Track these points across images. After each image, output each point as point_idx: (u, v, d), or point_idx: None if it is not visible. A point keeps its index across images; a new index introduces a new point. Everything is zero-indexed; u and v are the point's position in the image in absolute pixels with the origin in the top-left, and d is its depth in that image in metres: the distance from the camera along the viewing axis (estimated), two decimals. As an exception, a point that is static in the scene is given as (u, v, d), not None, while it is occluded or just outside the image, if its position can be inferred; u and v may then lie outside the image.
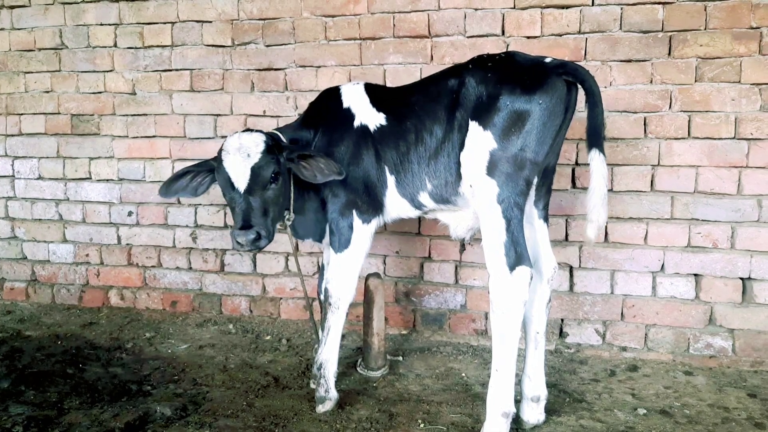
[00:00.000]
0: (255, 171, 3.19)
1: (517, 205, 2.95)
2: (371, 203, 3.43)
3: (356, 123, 3.43)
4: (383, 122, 3.37)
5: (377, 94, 3.50)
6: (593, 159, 2.86)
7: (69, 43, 5.09)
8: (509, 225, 2.93)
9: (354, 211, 3.42)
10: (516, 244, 2.93)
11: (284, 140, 3.48)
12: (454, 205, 3.31)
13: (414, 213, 3.48)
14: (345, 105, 3.51)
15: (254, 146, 3.22)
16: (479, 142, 2.97)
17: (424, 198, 3.32)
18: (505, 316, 2.94)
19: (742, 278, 4.00)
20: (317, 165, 3.28)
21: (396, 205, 3.45)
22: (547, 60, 3.04)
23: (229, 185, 3.23)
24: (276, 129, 3.61)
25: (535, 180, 3.06)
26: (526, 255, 2.94)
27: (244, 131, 3.38)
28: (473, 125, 3.01)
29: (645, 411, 3.39)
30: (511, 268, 2.92)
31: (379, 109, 3.41)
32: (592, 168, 2.86)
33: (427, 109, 3.22)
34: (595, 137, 2.88)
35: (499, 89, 2.97)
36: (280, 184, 3.28)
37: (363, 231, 3.44)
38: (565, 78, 2.97)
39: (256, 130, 3.37)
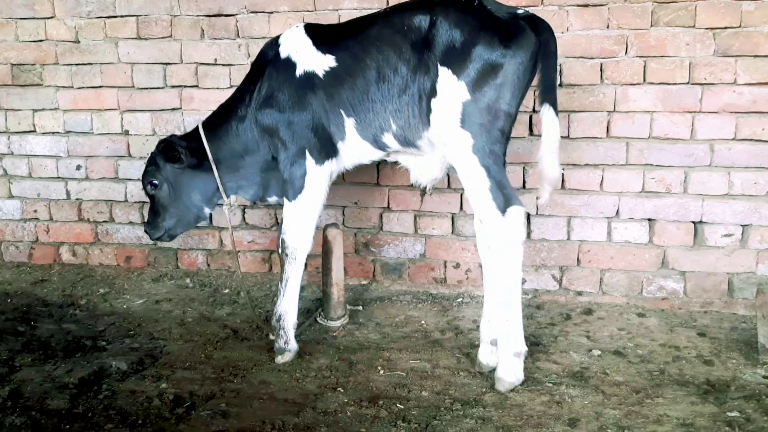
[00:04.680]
0: (142, 182, 3.74)
1: (493, 152, 2.96)
2: (323, 149, 3.35)
3: (298, 72, 3.31)
4: (333, 64, 3.25)
5: (323, 35, 3.36)
6: (545, 114, 2.91)
7: (5, -12, 4.82)
8: (489, 171, 2.94)
9: (306, 158, 3.35)
10: (502, 187, 2.94)
11: (181, 144, 3.57)
12: (418, 150, 3.26)
13: (377, 155, 3.41)
14: (283, 55, 3.39)
15: (147, 160, 3.72)
16: (452, 92, 2.94)
17: (388, 138, 3.25)
18: (506, 260, 2.96)
19: (693, 222, 4.07)
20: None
21: (357, 149, 3.36)
22: (519, 11, 3.02)
23: None
24: (211, 115, 3.71)
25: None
26: (514, 195, 2.96)
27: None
28: (445, 72, 2.95)
29: (599, 352, 3.47)
30: (503, 210, 2.93)
31: (326, 51, 3.28)
32: (543, 123, 2.92)
33: (391, 43, 3.10)
34: (548, 92, 2.94)
35: (475, 38, 2.92)
36: (163, 189, 3.66)
37: (316, 178, 3.38)
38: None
39: (163, 141, 3.62)
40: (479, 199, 2.98)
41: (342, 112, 3.26)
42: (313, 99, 3.28)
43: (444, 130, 2.99)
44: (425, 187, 3.53)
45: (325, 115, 3.29)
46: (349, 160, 3.45)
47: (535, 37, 2.96)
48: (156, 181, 3.64)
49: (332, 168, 3.43)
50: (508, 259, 2.97)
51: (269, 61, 3.43)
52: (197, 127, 3.64)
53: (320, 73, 3.27)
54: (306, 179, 3.36)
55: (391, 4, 4.23)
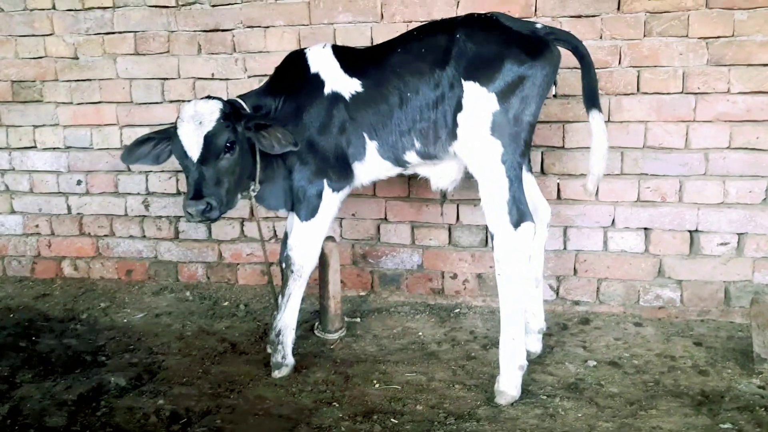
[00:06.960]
0: (208, 139, 3.09)
1: (519, 165, 3.09)
2: (342, 171, 3.40)
3: (327, 90, 3.35)
4: (359, 89, 3.31)
5: (348, 58, 3.41)
6: (593, 118, 3.06)
7: (5, 6, 4.85)
8: (511, 184, 3.05)
9: (324, 180, 3.39)
10: (518, 202, 3.04)
11: (246, 108, 3.36)
12: (440, 160, 3.36)
13: (395, 171, 3.51)
14: (313, 70, 3.41)
15: (208, 114, 3.12)
16: (481, 103, 3.05)
17: (410, 156, 3.35)
18: (512, 274, 3.05)
19: (689, 231, 4.07)
20: (275, 135, 3.21)
21: (376, 168, 3.45)
22: (538, 26, 3.15)
23: (182, 154, 3.14)
24: (240, 96, 3.50)
25: None
26: (528, 211, 3.06)
27: (202, 98, 3.27)
28: (472, 85, 3.06)
29: (595, 363, 3.48)
30: (516, 225, 3.02)
31: (352, 75, 3.33)
32: (592, 126, 3.06)
33: (412, 68, 3.20)
34: (593, 98, 3.10)
35: (503, 53, 3.04)
36: (237, 154, 3.17)
37: (332, 199, 3.43)
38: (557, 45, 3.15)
39: (215, 97, 3.26)
40: (495, 210, 3.06)
41: (365, 135, 3.33)
42: (337, 121, 3.33)
43: (473, 140, 3.09)
44: (446, 191, 3.69)
45: (346, 137, 3.35)
46: (366, 177, 3.52)
47: (557, 51, 3.14)
48: (230, 144, 3.13)
49: (347, 191, 3.50)
50: (515, 273, 3.05)
51: (296, 75, 3.45)
52: (237, 100, 3.38)
53: (347, 96, 3.32)
54: (321, 201, 3.40)
55: (389, 15, 4.30)
